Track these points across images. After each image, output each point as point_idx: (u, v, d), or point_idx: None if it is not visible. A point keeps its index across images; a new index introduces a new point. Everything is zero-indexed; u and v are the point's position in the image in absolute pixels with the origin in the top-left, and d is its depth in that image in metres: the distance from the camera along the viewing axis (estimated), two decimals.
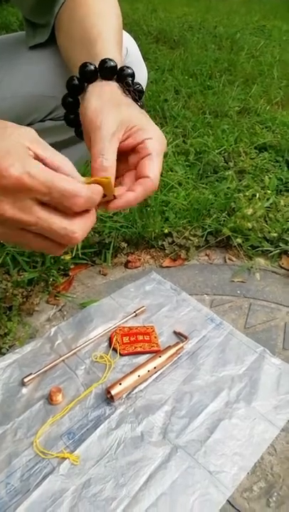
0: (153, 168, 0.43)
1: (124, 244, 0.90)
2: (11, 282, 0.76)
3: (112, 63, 0.45)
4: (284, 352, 0.70)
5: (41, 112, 0.70)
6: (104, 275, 0.86)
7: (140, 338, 0.69)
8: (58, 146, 0.78)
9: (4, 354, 0.67)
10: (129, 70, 0.46)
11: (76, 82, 0.46)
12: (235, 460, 0.55)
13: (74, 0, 0.57)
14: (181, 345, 0.68)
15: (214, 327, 0.73)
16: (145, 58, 0.69)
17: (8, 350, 0.68)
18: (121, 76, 0.46)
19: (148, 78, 0.87)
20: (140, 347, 0.68)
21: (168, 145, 1.27)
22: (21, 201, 0.33)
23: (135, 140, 0.43)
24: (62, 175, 0.34)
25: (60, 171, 0.35)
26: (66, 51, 0.57)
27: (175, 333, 0.72)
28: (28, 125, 0.72)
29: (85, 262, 0.87)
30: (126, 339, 0.69)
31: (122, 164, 0.44)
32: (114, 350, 0.68)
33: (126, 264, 0.89)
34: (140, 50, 0.77)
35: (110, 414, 0.59)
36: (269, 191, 1.10)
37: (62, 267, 0.84)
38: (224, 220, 0.97)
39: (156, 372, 0.65)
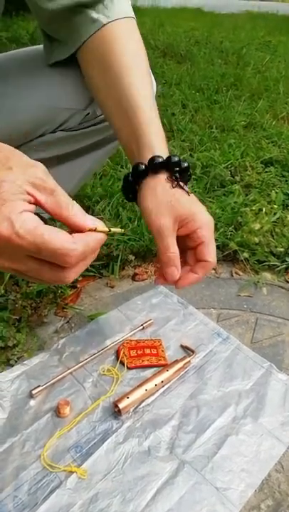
0: (208, 252, 0.52)
1: (131, 257, 0.91)
2: (20, 294, 0.76)
3: (160, 159, 0.52)
4: None
5: (53, 123, 0.71)
6: (112, 287, 0.87)
7: (147, 351, 0.70)
8: (70, 156, 0.80)
9: (13, 365, 0.67)
10: (176, 158, 0.52)
11: (130, 178, 0.54)
12: (243, 477, 0.55)
13: (104, 36, 0.59)
14: (188, 359, 0.68)
15: (221, 341, 0.74)
16: (153, 72, 0.71)
17: (16, 361, 0.68)
18: (169, 166, 0.52)
19: (156, 92, 0.88)
20: (147, 360, 0.68)
21: None
22: (13, 254, 0.34)
23: (188, 230, 0.52)
24: (53, 234, 0.33)
25: (60, 215, 0.35)
26: (101, 101, 0.62)
27: (182, 347, 0.72)
28: (40, 136, 0.75)
29: (93, 274, 0.88)
30: (133, 352, 0.69)
31: (178, 244, 0.52)
32: (122, 363, 0.68)
33: (133, 277, 0.90)
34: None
35: (118, 428, 0.59)
36: (275, 206, 1.10)
37: None
38: (231, 234, 0.98)
39: (163, 386, 0.65)
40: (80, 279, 0.86)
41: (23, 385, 0.64)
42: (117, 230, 0.40)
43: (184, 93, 1.94)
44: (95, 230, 0.37)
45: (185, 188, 0.53)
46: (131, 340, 0.72)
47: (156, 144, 0.54)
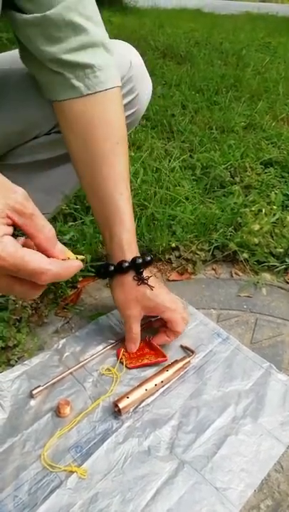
0: (176, 327, 0.68)
1: None
2: None
3: (126, 264, 0.64)
4: None
5: (47, 125, 0.72)
6: None
7: (146, 350, 0.70)
8: (66, 157, 0.81)
9: (13, 366, 0.67)
10: (140, 260, 0.65)
11: (112, 268, 0.65)
12: (242, 477, 0.55)
13: (84, 109, 0.61)
14: (188, 359, 0.68)
15: (221, 342, 0.74)
16: (152, 73, 0.72)
17: (17, 361, 0.68)
18: (135, 267, 0.64)
19: (154, 93, 0.89)
20: (147, 359, 0.69)
21: (175, 160, 1.29)
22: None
23: (155, 313, 0.68)
24: (31, 256, 0.36)
25: (36, 238, 0.38)
26: (78, 169, 0.67)
27: (182, 347, 0.72)
28: (34, 138, 0.75)
29: (93, 274, 0.88)
30: (132, 353, 0.70)
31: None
32: (121, 363, 0.68)
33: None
34: (147, 66, 0.79)
35: (118, 428, 0.59)
36: (275, 207, 1.11)
37: (70, 280, 0.85)
38: (231, 235, 0.99)
39: (163, 386, 0.65)
40: (80, 279, 0.86)
41: (24, 385, 0.64)
42: (81, 257, 0.44)
43: (184, 94, 1.94)
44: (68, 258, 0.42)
45: (149, 283, 0.64)
46: None
47: (126, 245, 0.65)
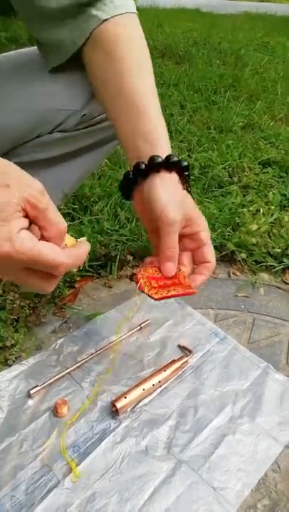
0: (211, 253, 0.57)
1: (129, 258, 0.92)
2: (18, 294, 0.77)
3: (175, 158, 0.53)
4: (287, 368, 0.71)
5: (50, 124, 0.71)
6: (110, 287, 0.87)
7: (169, 282, 0.57)
8: (67, 156, 0.80)
9: (11, 365, 0.67)
10: (185, 163, 0.55)
11: (131, 176, 0.55)
12: (239, 476, 0.55)
13: (105, 33, 0.60)
14: (185, 359, 0.69)
15: (218, 341, 0.74)
16: None
17: (14, 361, 0.68)
18: (180, 167, 0.55)
19: None
20: (174, 290, 0.56)
21: None
22: (10, 268, 0.38)
23: (191, 230, 0.56)
24: (48, 249, 0.37)
25: (45, 232, 0.39)
26: (107, 106, 0.62)
27: (179, 346, 0.73)
28: (37, 137, 0.75)
29: (91, 274, 0.88)
30: (154, 283, 0.57)
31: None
32: (142, 291, 0.57)
33: (131, 277, 0.90)
34: None
35: (115, 427, 0.59)
36: (273, 207, 1.11)
37: (68, 279, 0.85)
38: (229, 235, 0.99)
39: (160, 386, 0.65)
40: (78, 279, 0.86)
41: (21, 384, 0.64)
42: (82, 239, 0.45)
43: (182, 94, 1.94)
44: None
45: (191, 192, 0.57)
46: (147, 268, 0.58)
47: (166, 143, 0.55)
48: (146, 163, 0.53)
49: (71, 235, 0.44)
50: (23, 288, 0.46)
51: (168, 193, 0.53)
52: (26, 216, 0.37)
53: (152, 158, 0.53)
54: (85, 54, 0.62)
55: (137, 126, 0.56)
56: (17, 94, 0.69)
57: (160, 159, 0.53)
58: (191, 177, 1.25)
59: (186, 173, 0.56)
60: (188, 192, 0.57)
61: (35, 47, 0.70)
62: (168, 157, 0.53)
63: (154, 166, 0.53)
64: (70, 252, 0.40)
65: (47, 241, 0.38)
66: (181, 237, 0.56)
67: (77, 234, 0.92)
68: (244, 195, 1.18)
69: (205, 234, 0.56)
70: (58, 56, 0.64)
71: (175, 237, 0.53)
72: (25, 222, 0.37)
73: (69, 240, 0.43)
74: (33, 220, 0.38)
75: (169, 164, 0.54)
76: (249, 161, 1.36)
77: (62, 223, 0.39)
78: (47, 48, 0.65)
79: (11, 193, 0.35)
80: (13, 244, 0.35)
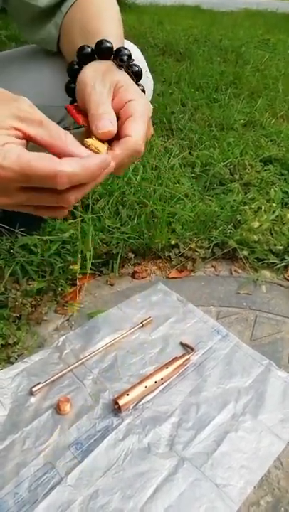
0: (135, 127, 0.41)
1: (131, 255, 0.91)
2: (20, 291, 0.77)
3: (108, 44, 0.45)
4: None
5: (53, 118, 0.71)
6: (112, 285, 0.87)
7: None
8: None
9: (13, 363, 0.67)
10: (126, 51, 0.46)
11: (76, 66, 0.46)
12: (242, 473, 0.55)
13: (76, 11, 0.59)
14: (187, 356, 0.68)
15: (220, 339, 0.74)
16: (152, 70, 0.71)
17: (16, 359, 0.68)
18: (117, 56, 0.46)
19: (154, 90, 0.88)
20: None
21: (174, 157, 1.29)
22: (5, 189, 0.33)
23: (119, 100, 0.42)
24: (39, 159, 0.32)
25: (54, 146, 0.34)
26: (68, 50, 0.57)
27: (182, 344, 0.73)
28: None
29: (93, 272, 0.88)
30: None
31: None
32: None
33: (133, 275, 0.90)
34: (147, 62, 0.79)
35: (118, 425, 0.59)
36: (274, 204, 1.11)
37: (70, 277, 0.85)
38: (230, 232, 0.98)
39: (163, 383, 0.65)
40: (80, 276, 0.86)
41: (24, 382, 0.64)
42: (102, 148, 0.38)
43: (183, 91, 1.93)
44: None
45: (131, 74, 0.46)
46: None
47: (109, 32, 0.49)
48: (93, 47, 0.46)
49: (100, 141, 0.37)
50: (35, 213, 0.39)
51: (96, 71, 0.44)
52: (24, 138, 0.33)
53: (100, 42, 0.45)
54: (61, 46, 0.61)
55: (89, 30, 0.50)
56: (17, 92, 0.69)
57: (109, 44, 0.45)
58: (192, 175, 1.25)
59: (126, 57, 0.46)
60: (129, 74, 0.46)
61: (33, 45, 0.70)
62: (118, 49, 0.46)
63: (100, 51, 0.45)
64: (74, 160, 0.34)
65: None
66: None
67: (79, 232, 0.92)
68: (245, 193, 1.18)
69: (133, 104, 0.42)
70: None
71: (106, 103, 0.41)
72: (19, 142, 0.33)
73: (98, 144, 0.37)
74: (35, 139, 0.34)
75: (101, 51, 0.45)
76: (250, 158, 1.36)
77: (66, 132, 0.34)
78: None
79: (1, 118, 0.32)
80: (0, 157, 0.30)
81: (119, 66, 0.45)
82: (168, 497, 0.52)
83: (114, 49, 0.46)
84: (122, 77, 0.44)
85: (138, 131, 0.41)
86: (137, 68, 0.47)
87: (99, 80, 0.42)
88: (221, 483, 0.54)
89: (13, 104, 0.33)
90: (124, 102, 0.42)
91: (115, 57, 0.46)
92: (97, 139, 0.39)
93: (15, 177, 0.32)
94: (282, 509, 0.52)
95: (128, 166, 0.43)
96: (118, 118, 0.42)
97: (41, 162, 0.32)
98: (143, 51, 0.79)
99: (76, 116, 0.43)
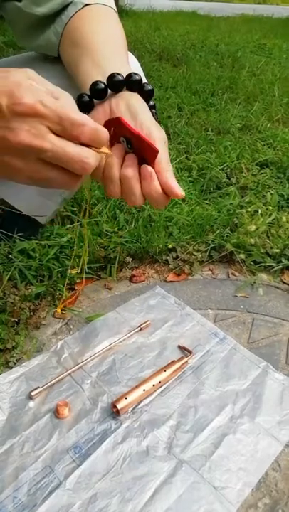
0: (166, 176, 0.44)
1: (128, 259, 0.92)
2: (19, 296, 0.77)
3: (119, 77, 0.47)
4: (287, 367, 0.71)
5: None
6: (110, 289, 0.87)
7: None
8: None
9: (12, 367, 0.68)
10: (137, 76, 0.48)
11: (87, 98, 0.48)
12: (240, 476, 0.55)
13: (77, 20, 0.60)
14: (185, 359, 0.69)
15: (218, 342, 0.74)
16: (149, 76, 0.72)
17: (15, 363, 0.69)
18: (131, 84, 0.48)
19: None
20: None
21: (171, 161, 1.30)
22: (36, 128, 0.35)
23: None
24: (70, 106, 0.36)
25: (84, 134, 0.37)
26: (70, 64, 0.59)
27: (179, 347, 0.73)
28: None
29: (91, 276, 0.89)
30: None
31: None
32: None
33: (131, 279, 0.91)
34: (144, 68, 0.80)
35: (116, 428, 0.59)
36: (271, 207, 1.11)
37: (68, 281, 0.85)
38: (227, 236, 0.99)
39: (161, 386, 0.65)
40: (78, 281, 0.87)
41: (22, 386, 0.65)
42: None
43: (180, 96, 1.95)
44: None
45: (152, 108, 0.49)
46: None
47: (116, 59, 0.52)
48: (105, 82, 0.48)
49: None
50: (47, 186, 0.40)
51: (146, 110, 0.47)
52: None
53: (112, 76, 0.47)
54: (61, 53, 0.63)
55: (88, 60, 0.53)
56: None
57: (121, 77, 0.47)
58: (189, 179, 1.26)
59: (152, 102, 0.50)
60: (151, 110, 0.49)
61: (31, 52, 0.71)
62: (129, 75, 0.48)
63: (116, 84, 0.47)
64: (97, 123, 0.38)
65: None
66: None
67: (77, 236, 0.93)
68: (242, 196, 1.19)
69: (156, 145, 0.44)
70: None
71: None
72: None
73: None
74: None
75: (130, 83, 0.48)
76: (247, 162, 1.37)
77: (92, 123, 0.37)
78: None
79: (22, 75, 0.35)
80: (39, 94, 0.34)
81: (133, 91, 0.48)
82: (166, 500, 0.52)
83: (125, 76, 0.48)
84: (147, 120, 0.46)
85: (172, 180, 0.44)
86: (149, 87, 0.49)
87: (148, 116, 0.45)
88: (219, 485, 0.54)
89: (25, 70, 0.36)
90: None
91: (128, 86, 0.48)
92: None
93: (50, 114, 0.34)
94: (280, 511, 0.53)
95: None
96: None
97: (72, 110, 0.36)
98: (140, 57, 0.81)
99: (129, 125, 0.44)
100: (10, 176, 0.39)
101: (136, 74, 0.48)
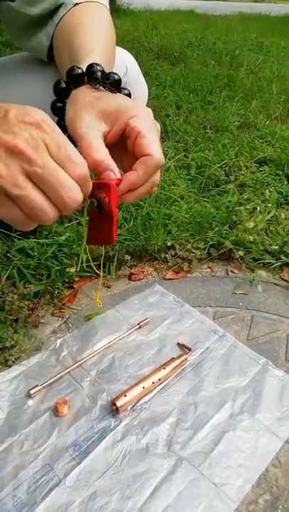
0: (149, 144, 0.41)
1: (127, 257, 0.92)
2: (18, 295, 0.77)
3: (79, 71, 0.46)
4: (286, 364, 0.71)
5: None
6: (108, 287, 0.87)
7: None
8: None
9: (11, 366, 0.67)
10: (98, 67, 0.46)
11: (63, 85, 0.47)
12: (240, 472, 0.55)
13: (67, 20, 0.61)
14: (185, 357, 0.69)
15: (217, 339, 0.74)
16: (147, 74, 0.72)
17: (14, 362, 0.68)
18: (88, 74, 0.46)
19: (149, 94, 0.89)
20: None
21: (170, 159, 1.30)
22: (35, 141, 0.34)
23: (119, 124, 0.42)
24: (73, 147, 0.36)
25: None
26: (59, 63, 0.60)
27: (179, 344, 0.73)
28: None
29: (89, 274, 0.88)
30: None
31: (126, 158, 0.44)
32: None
33: (129, 277, 0.90)
34: (141, 67, 0.80)
35: (116, 426, 0.59)
36: (270, 204, 1.11)
37: (67, 280, 0.85)
38: (226, 233, 0.99)
39: (160, 383, 0.65)
40: (76, 279, 0.86)
41: (21, 385, 0.65)
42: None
43: (178, 94, 1.95)
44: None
45: (108, 87, 0.45)
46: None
47: (98, 55, 0.49)
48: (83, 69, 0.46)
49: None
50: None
51: (75, 105, 0.44)
52: None
53: (71, 69, 0.45)
54: (54, 54, 0.63)
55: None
56: (15, 94, 0.69)
57: (80, 70, 0.45)
58: (188, 177, 1.26)
59: (100, 74, 0.46)
60: (106, 88, 0.45)
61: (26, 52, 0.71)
62: (90, 66, 0.45)
63: (73, 78, 0.45)
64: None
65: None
66: (121, 146, 0.44)
67: (75, 234, 0.93)
68: (241, 194, 1.18)
69: (136, 121, 0.41)
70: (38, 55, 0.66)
71: (94, 141, 0.41)
72: None
73: None
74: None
75: (90, 75, 0.45)
76: (245, 159, 1.37)
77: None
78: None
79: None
80: (47, 118, 0.34)
81: (93, 86, 0.45)
82: (166, 497, 0.52)
83: (85, 67, 0.46)
84: (109, 102, 0.43)
85: (153, 146, 0.41)
86: (115, 77, 0.46)
87: (82, 118, 0.42)
88: (220, 482, 0.54)
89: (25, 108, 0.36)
90: (125, 121, 0.42)
91: (88, 78, 0.46)
92: None
93: (52, 135, 0.35)
94: (281, 507, 0.53)
95: (153, 184, 0.44)
96: (127, 137, 0.42)
97: (73, 147, 0.36)
98: (138, 55, 0.81)
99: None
100: None
101: (98, 65, 0.46)
